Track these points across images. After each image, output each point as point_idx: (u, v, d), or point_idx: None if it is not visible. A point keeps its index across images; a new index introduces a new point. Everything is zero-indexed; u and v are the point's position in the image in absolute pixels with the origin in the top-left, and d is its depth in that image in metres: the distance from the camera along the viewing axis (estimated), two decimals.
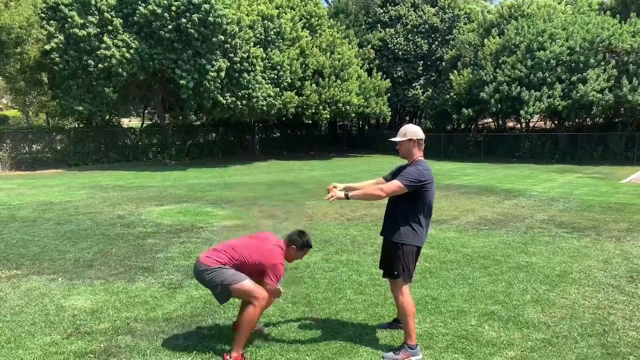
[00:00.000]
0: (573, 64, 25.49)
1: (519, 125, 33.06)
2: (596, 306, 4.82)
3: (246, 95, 23.24)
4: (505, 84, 26.47)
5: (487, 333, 4.19)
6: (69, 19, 20.37)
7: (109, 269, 6.03)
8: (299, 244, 3.96)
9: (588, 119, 29.42)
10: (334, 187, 3.92)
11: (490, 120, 35.05)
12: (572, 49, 25.48)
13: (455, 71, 30.62)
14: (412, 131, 3.89)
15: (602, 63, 25.45)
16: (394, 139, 3.95)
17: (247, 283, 3.71)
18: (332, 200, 3.81)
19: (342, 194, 3.79)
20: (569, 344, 4.01)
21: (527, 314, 4.61)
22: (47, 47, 20.54)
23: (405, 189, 3.71)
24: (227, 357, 3.65)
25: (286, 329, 4.27)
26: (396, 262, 3.83)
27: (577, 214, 10.10)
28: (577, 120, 29.16)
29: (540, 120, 33.68)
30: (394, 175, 3.99)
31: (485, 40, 29.55)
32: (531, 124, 32.91)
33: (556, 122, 29.62)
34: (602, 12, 29.03)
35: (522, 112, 25.83)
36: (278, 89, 25.21)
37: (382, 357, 3.79)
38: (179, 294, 5.14)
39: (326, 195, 3.87)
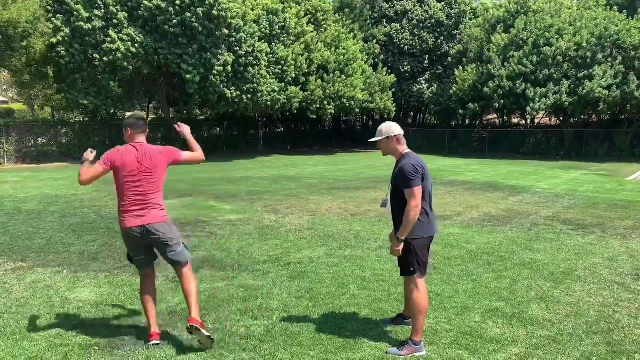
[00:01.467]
0: (580, 60, 25.33)
1: (524, 122, 32.91)
2: (601, 304, 4.80)
3: (251, 90, 23.23)
4: (506, 79, 26.31)
5: (491, 330, 4.18)
6: (75, 13, 20.38)
7: (113, 262, 6.05)
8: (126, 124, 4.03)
9: (594, 116, 29.26)
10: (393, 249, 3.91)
11: (495, 116, 34.91)
12: (579, 45, 25.31)
13: (461, 67, 30.48)
14: (387, 129, 3.93)
15: (610, 59, 25.29)
16: (372, 140, 4.03)
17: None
18: (399, 254, 3.85)
19: (397, 243, 3.81)
20: (574, 341, 3.99)
21: (532, 310, 4.60)
22: (53, 40, 20.58)
23: (419, 188, 3.73)
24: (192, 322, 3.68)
25: (289, 323, 4.27)
26: (411, 258, 3.82)
27: (582, 211, 10.05)
28: (582, 116, 29.02)
29: (546, 117, 33.52)
30: (394, 182, 3.94)
31: (492, 36, 29.37)
32: (536, 121, 32.76)
33: (562, 118, 29.48)
34: (610, 7, 28.81)
35: (528, 108, 25.71)
36: (282, 83, 25.18)
37: (386, 352, 3.79)
38: None
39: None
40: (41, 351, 3.73)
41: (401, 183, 3.77)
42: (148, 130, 4.15)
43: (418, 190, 3.72)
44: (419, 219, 3.78)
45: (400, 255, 3.88)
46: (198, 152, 4.14)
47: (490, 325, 4.26)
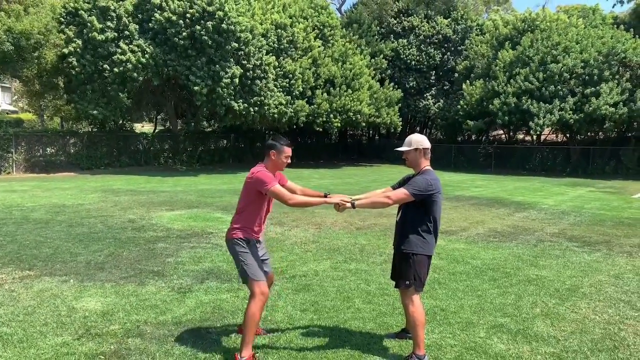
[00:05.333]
0: (587, 77, 25.38)
1: (529, 138, 32.90)
2: (607, 321, 4.79)
3: (258, 102, 23.40)
4: (512, 95, 26.40)
5: (495, 345, 4.18)
6: (88, 24, 20.69)
7: (119, 271, 6.09)
8: (276, 147, 3.90)
9: (600, 133, 29.24)
10: (342, 200, 3.91)
11: (502, 132, 34.95)
12: (586, 62, 25.39)
13: (468, 82, 30.60)
14: (417, 141, 3.93)
15: (616, 76, 25.33)
16: (400, 149, 4.01)
17: (263, 285, 3.80)
18: (340, 209, 3.87)
19: (349, 204, 3.84)
20: (579, 358, 3.98)
21: (537, 327, 4.59)
22: (65, 50, 20.89)
23: (411, 197, 3.75)
24: (239, 356, 3.66)
25: (294, 335, 4.28)
26: (408, 272, 3.84)
27: (588, 228, 10.02)
28: (589, 133, 29.02)
29: (552, 134, 33.55)
30: (401, 184, 4.04)
31: (499, 53, 29.51)
32: (542, 137, 32.77)
33: (568, 135, 29.47)
34: (616, 26, 28.91)
35: (532, 124, 25.74)
36: (290, 97, 25.35)
37: None
38: (189, 298, 5.17)
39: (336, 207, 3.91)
40: (48, 359, 3.76)
41: (409, 183, 3.83)
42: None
43: (406, 197, 3.76)
44: (423, 236, 3.82)
45: (400, 269, 3.91)
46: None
47: (495, 341, 4.26)
